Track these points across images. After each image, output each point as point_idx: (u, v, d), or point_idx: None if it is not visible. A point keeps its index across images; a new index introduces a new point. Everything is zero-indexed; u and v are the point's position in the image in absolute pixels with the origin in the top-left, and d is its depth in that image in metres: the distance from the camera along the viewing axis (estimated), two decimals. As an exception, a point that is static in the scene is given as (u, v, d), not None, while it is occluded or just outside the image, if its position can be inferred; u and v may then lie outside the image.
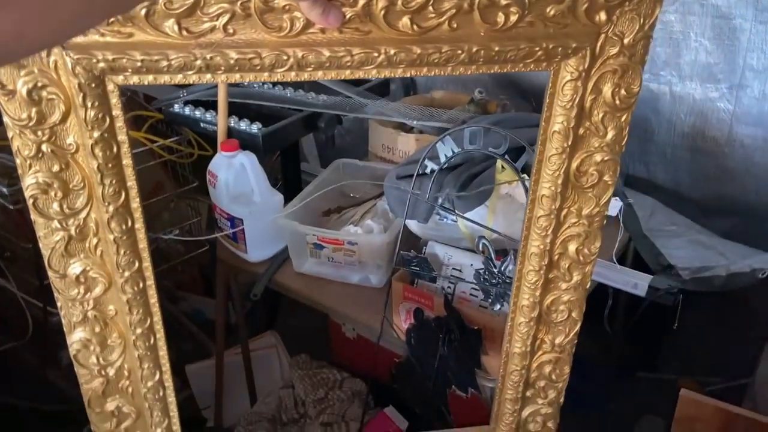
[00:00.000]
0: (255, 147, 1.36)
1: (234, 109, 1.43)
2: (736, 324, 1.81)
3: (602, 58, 0.67)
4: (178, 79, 0.63)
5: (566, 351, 0.86)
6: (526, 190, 1.05)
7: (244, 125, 1.39)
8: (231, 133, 1.39)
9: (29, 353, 1.79)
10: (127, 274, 0.72)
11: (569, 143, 0.71)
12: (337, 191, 1.50)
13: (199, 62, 0.61)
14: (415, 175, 1.13)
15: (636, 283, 1.29)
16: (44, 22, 0.32)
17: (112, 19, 0.58)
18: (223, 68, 0.62)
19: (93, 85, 0.61)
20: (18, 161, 0.63)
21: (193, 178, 1.62)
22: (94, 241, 0.69)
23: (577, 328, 0.85)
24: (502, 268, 1.04)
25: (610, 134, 0.71)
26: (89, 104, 0.62)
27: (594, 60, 0.67)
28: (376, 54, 0.62)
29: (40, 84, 0.60)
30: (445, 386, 1.15)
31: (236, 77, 0.63)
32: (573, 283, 0.81)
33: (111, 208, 0.68)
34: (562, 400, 0.91)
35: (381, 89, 1.69)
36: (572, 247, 0.78)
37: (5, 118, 0.62)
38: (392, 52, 0.62)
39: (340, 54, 0.62)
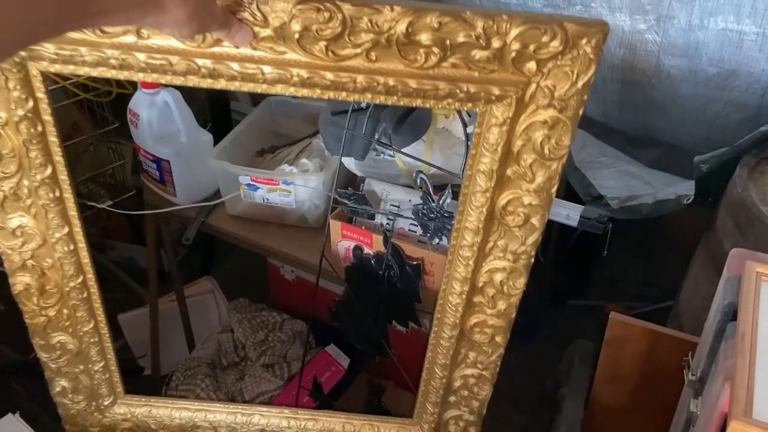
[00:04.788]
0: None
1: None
2: (660, 252, 1.90)
3: (532, 108, 0.67)
4: (99, 71, 0.66)
5: (489, 370, 0.89)
6: (464, 123, 1.04)
7: (165, 61, 1.30)
8: (152, 69, 1.30)
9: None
10: (57, 235, 0.78)
11: (493, 183, 0.72)
12: (271, 130, 1.44)
13: (113, 61, 0.64)
14: (350, 110, 1.09)
15: (568, 213, 1.32)
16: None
17: None
18: (135, 68, 0.65)
19: (15, 70, 0.66)
20: None
21: (113, 118, 1.52)
22: (28, 202, 0.75)
23: (501, 351, 0.87)
24: (440, 203, 1.04)
25: (539, 180, 0.72)
26: (11, 87, 0.67)
27: (522, 108, 0.67)
28: (289, 75, 0.64)
29: None
30: (385, 322, 1.16)
31: (153, 77, 0.66)
32: (496, 311, 0.84)
33: (38, 178, 0.73)
34: (484, 411, 0.93)
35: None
36: (497, 279, 0.81)
37: None
38: (305, 75, 0.64)
39: (250, 70, 0.64)
